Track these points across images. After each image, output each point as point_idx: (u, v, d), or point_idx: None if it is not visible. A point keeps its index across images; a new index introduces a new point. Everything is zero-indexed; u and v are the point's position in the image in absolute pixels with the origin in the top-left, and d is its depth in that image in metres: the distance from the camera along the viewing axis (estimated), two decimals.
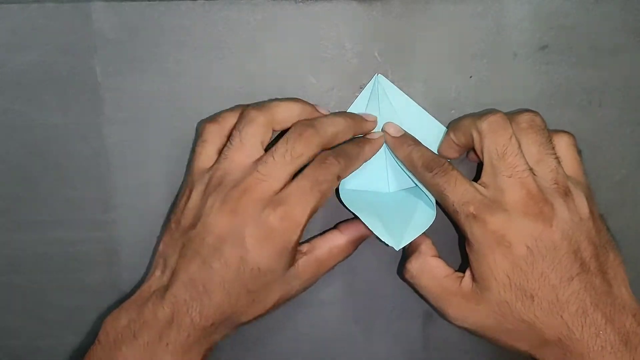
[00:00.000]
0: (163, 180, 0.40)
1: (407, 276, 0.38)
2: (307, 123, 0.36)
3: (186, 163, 0.40)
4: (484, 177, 0.35)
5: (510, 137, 0.35)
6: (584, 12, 0.39)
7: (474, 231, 0.34)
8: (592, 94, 0.40)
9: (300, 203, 0.34)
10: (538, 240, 0.34)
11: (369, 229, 0.37)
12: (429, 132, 0.39)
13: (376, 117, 0.39)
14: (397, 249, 0.36)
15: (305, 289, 0.37)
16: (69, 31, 0.38)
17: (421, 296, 0.37)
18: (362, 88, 0.40)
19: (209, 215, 0.35)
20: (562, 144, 0.37)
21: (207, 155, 0.37)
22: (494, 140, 0.35)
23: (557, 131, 0.37)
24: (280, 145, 0.35)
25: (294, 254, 0.36)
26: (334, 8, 0.39)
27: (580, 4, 0.39)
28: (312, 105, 0.38)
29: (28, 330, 0.41)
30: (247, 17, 0.39)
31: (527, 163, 0.35)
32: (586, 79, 0.40)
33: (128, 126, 0.39)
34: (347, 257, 0.38)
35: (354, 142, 0.38)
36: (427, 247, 0.38)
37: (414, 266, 0.37)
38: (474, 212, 0.34)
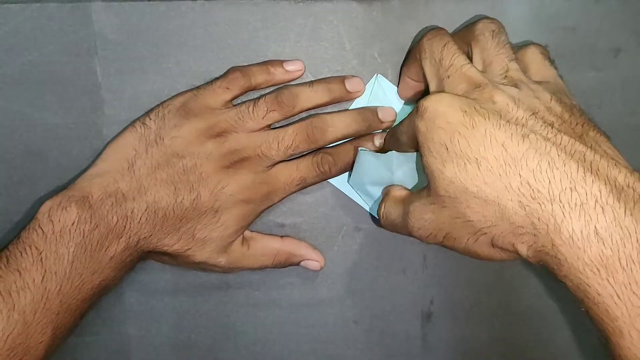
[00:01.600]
0: None
1: (382, 217, 0.36)
2: (320, 125, 0.38)
3: None
4: (430, 90, 0.34)
5: (446, 43, 0.33)
6: (584, 12, 0.39)
7: (419, 126, 0.31)
8: (592, 95, 0.40)
9: (283, 188, 0.38)
10: (478, 104, 0.30)
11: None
12: None
13: (394, 112, 0.39)
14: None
15: (220, 270, 0.39)
16: (70, 31, 0.38)
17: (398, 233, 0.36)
18: None
19: (200, 157, 0.36)
20: (527, 52, 0.35)
21: (220, 97, 0.37)
22: (430, 50, 0.34)
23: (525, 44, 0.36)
24: (288, 137, 0.37)
25: (245, 226, 0.38)
26: (334, 8, 0.39)
27: (580, 5, 0.39)
28: (342, 87, 0.39)
29: None
30: (247, 17, 0.39)
31: (466, 60, 0.33)
32: (586, 80, 0.40)
33: None
34: (271, 266, 0.40)
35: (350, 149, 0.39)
36: (393, 189, 0.37)
37: (386, 206, 0.36)
38: (419, 107, 0.31)
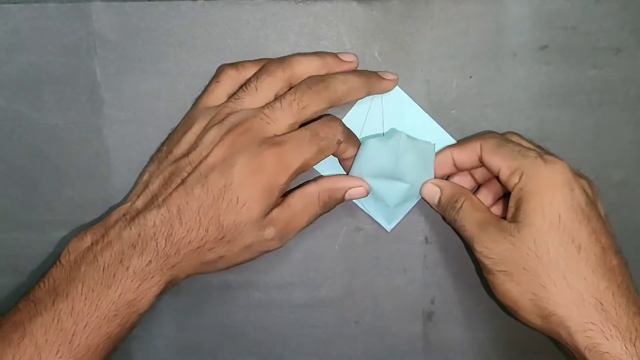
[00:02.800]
0: None
1: (449, 219, 0.38)
2: (319, 77, 0.37)
3: None
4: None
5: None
6: (584, 12, 0.39)
7: (539, 169, 0.34)
8: (592, 94, 0.40)
9: (296, 149, 0.35)
10: (596, 202, 0.35)
11: (365, 208, 0.39)
12: (432, 139, 0.39)
13: (396, 77, 0.39)
14: (388, 230, 0.40)
15: (277, 243, 0.37)
16: (69, 31, 0.38)
17: (456, 229, 0.38)
18: None
19: (205, 145, 0.35)
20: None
21: (216, 95, 0.37)
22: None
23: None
24: (289, 94, 0.36)
25: (274, 200, 0.36)
26: (334, 8, 0.39)
27: (581, 4, 0.39)
28: (335, 57, 0.38)
29: None
30: (247, 17, 0.39)
31: None
32: (586, 79, 0.40)
33: (128, 126, 0.39)
34: (320, 211, 0.38)
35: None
36: (466, 190, 0.39)
37: (457, 206, 0.37)
38: (545, 158, 0.35)
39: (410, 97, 0.40)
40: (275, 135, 0.35)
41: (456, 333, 0.42)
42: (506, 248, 0.34)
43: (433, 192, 0.39)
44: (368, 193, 0.38)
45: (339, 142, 0.37)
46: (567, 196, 0.34)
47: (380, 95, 0.39)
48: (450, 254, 0.41)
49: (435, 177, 0.39)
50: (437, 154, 0.39)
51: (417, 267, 0.41)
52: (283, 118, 0.36)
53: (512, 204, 0.36)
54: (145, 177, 0.37)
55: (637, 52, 0.40)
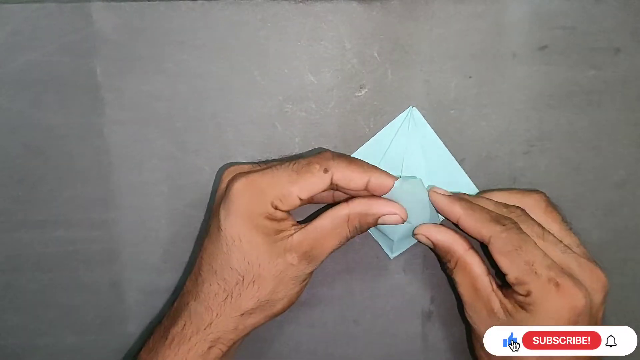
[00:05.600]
0: (163, 180, 0.40)
1: (448, 272, 0.37)
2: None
3: (185, 165, 0.40)
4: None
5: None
6: (583, 12, 0.39)
7: (549, 297, 0.33)
8: (592, 94, 0.40)
9: (269, 174, 0.36)
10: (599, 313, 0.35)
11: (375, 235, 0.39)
12: (452, 179, 0.39)
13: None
14: (391, 257, 0.41)
15: (307, 267, 0.36)
16: (70, 31, 0.38)
17: (454, 291, 0.37)
18: (362, 88, 0.40)
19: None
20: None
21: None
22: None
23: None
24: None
25: (265, 224, 0.35)
26: (334, 8, 0.39)
27: (580, 4, 0.39)
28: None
29: (28, 329, 0.41)
30: (247, 17, 0.39)
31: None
32: (586, 79, 0.40)
33: (128, 126, 0.39)
34: (350, 234, 0.36)
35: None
36: (457, 243, 0.36)
37: (451, 264, 0.37)
38: (558, 281, 0.33)
39: (410, 96, 0.40)
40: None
41: (455, 333, 0.42)
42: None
43: (426, 242, 0.38)
44: (403, 221, 0.36)
45: (325, 170, 0.35)
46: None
47: (407, 130, 0.39)
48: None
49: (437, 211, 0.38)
50: (447, 203, 0.36)
51: (417, 267, 0.41)
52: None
53: (515, 296, 0.35)
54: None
55: (636, 52, 0.40)
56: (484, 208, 0.36)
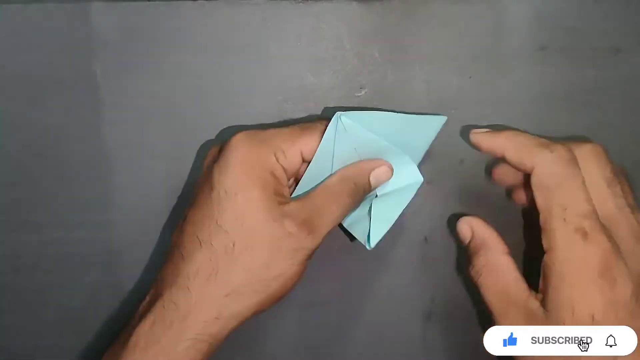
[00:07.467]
0: (163, 180, 0.40)
1: (472, 273, 0.33)
2: None
3: (185, 163, 0.40)
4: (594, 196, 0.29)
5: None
6: (584, 12, 0.39)
7: (575, 251, 0.28)
8: (592, 94, 0.40)
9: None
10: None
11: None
12: (399, 167, 0.36)
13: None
14: (368, 248, 0.37)
15: (309, 238, 0.32)
16: (69, 32, 0.38)
17: (481, 296, 0.33)
18: (362, 88, 0.40)
19: None
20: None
21: None
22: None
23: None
24: None
25: (270, 180, 0.32)
26: (334, 8, 0.39)
27: (580, 4, 0.39)
28: None
29: (27, 330, 0.41)
30: (247, 17, 0.39)
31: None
32: (586, 79, 0.40)
33: (128, 127, 0.39)
34: (349, 199, 0.34)
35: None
36: (496, 242, 0.32)
37: (481, 262, 0.33)
38: (587, 230, 0.28)
39: (410, 96, 0.40)
40: None
41: (456, 333, 0.42)
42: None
43: (465, 232, 0.35)
44: (392, 171, 0.35)
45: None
46: (604, 290, 0.28)
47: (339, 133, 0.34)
48: (450, 254, 0.41)
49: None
50: (491, 137, 0.33)
51: (417, 267, 0.41)
52: None
53: (542, 273, 0.30)
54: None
55: (637, 52, 0.40)
56: (534, 135, 0.31)
